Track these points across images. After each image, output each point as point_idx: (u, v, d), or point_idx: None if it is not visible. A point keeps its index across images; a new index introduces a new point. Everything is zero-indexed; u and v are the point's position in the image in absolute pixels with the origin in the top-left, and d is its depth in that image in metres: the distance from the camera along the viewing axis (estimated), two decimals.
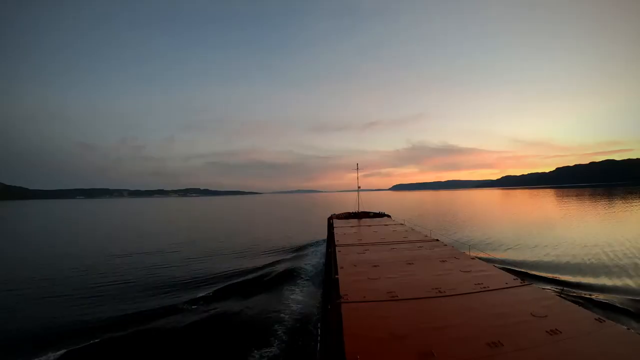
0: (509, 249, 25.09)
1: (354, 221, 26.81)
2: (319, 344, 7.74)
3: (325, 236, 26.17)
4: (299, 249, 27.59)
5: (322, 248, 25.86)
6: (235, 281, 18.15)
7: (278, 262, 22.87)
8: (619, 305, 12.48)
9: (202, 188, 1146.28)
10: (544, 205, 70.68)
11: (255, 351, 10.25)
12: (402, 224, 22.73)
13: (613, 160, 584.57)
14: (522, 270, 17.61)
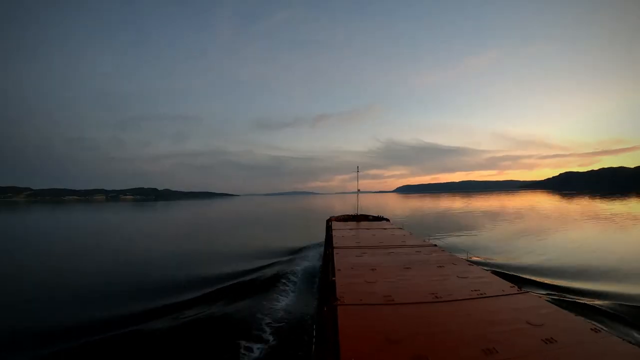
0: (507, 255, 24.64)
1: (352, 224, 26.26)
2: (314, 346, 7.73)
3: (322, 239, 26.12)
4: (296, 252, 27.47)
5: (320, 250, 25.76)
6: (228, 284, 17.90)
7: (274, 264, 22.70)
8: (615, 313, 12.36)
9: (146, 187, 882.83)
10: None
11: (250, 353, 10.11)
12: (400, 228, 22.18)
13: None
14: (521, 275, 17.53)
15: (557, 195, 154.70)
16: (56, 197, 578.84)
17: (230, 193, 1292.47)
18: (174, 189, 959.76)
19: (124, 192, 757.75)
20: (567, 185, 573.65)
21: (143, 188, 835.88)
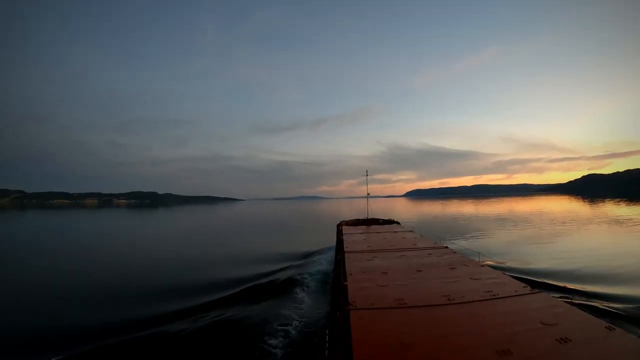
0: (520, 256, 24.69)
1: (363, 228, 26.46)
2: (327, 351, 7.68)
3: (333, 243, 26.10)
4: (308, 256, 27.36)
5: (331, 255, 25.64)
6: (242, 288, 18.07)
7: (286, 268, 22.83)
8: (629, 316, 12.18)
9: (145, 191, 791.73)
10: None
11: (263, 357, 10.22)
12: (411, 231, 22.22)
13: None
14: (533, 278, 17.10)
15: (583, 200, 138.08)
16: (45, 200, 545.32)
17: (234, 197, 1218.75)
18: (175, 193, 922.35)
19: (118, 196, 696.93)
20: (591, 188, 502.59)
21: (141, 192, 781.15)
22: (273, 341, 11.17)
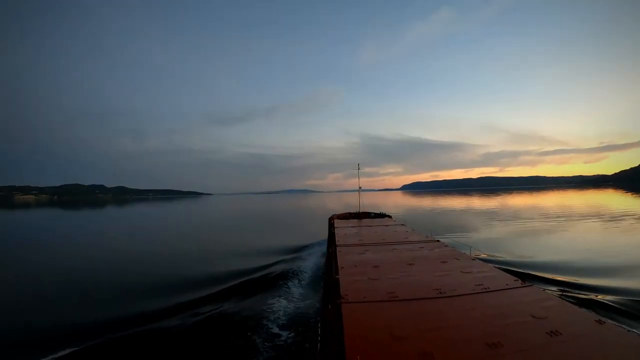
0: (510, 249, 24.51)
1: (354, 221, 26.56)
2: (319, 344, 7.81)
3: (325, 237, 26.21)
4: (299, 250, 27.40)
5: (322, 248, 25.74)
6: (235, 282, 18.10)
7: (278, 262, 22.75)
8: (620, 307, 12.37)
9: (86, 184, 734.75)
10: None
11: (256, 351, 10.23)
12: (402, 225, 22.24)
13: None
14: (524, 271, 17.32)
15: None
16: None
17: (199, 192, 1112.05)
18: (131, 186, 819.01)
19: (27, 189, 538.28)
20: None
21: (79, 185, 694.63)
22: (265, 335, 11.22)
